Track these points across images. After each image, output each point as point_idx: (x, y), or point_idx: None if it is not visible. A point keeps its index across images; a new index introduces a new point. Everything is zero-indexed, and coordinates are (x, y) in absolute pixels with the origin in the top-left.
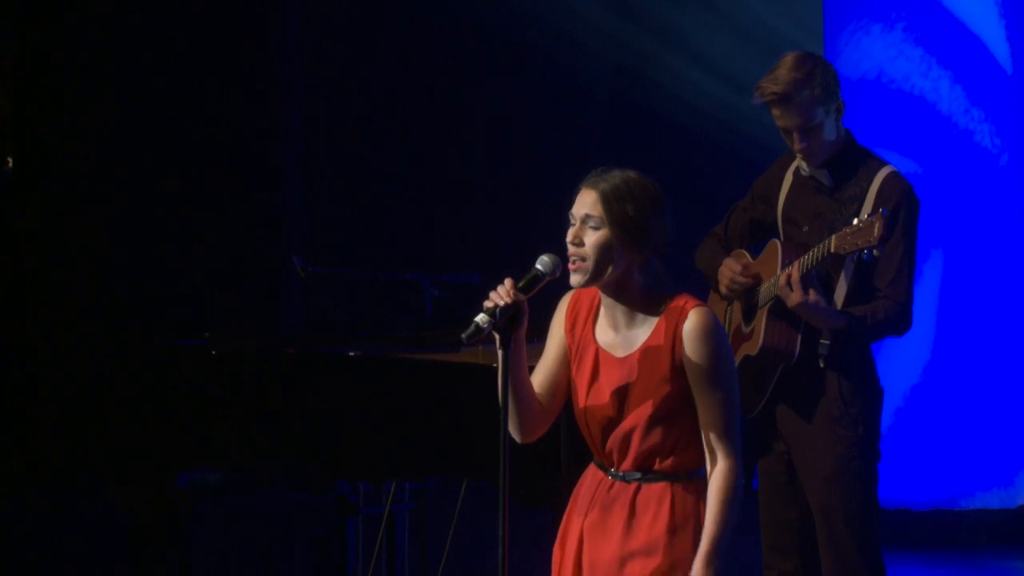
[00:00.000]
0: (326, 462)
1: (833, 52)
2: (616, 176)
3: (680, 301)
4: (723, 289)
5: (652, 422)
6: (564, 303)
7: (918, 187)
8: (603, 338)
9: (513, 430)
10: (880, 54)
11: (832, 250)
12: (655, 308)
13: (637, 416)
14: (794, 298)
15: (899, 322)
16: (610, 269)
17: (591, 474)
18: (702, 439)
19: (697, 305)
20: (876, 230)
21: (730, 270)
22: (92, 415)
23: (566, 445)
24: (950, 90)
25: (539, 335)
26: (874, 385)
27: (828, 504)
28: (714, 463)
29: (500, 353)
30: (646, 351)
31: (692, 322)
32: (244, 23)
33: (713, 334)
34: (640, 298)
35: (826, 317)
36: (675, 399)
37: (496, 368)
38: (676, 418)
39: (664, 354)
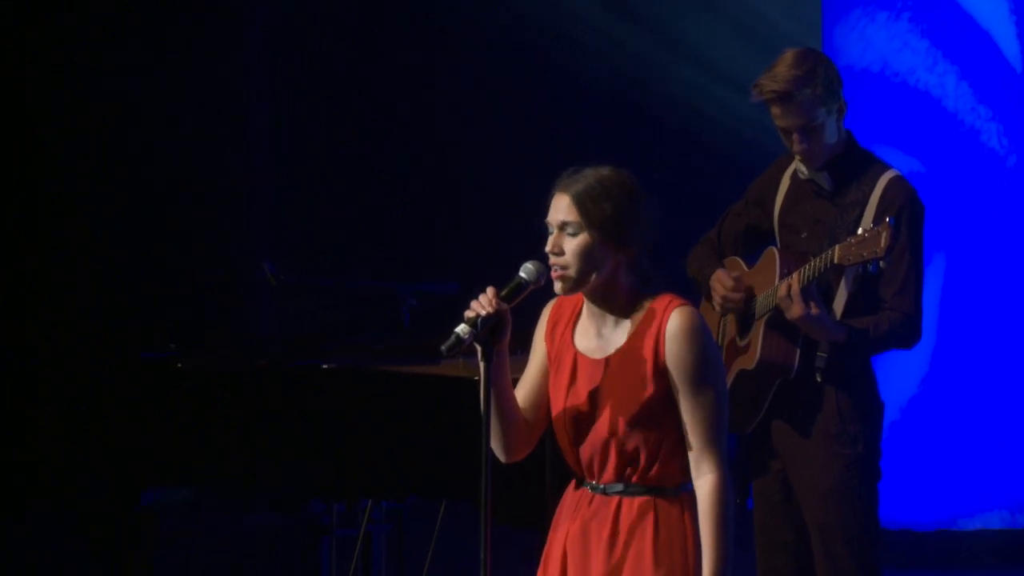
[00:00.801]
0: (299, 480)
1: (833, 41)
2: (589, 175)
3: (663, 301)
4: (716, 307)
5: (631, 427)
6: (546, 311)
7: (920, 187)
8: (582, 342)
9: (496, 448)
10: (884, 45)
11: (836, 261)
12: (638, 308)
13: (615, 420)
14: (795, 311)
15: (906, 335)
16: (595, 275)
17: (572, 489)
18: (687, 450)
19: (681, 304)
20: (883, 240)
21: (722, 286)
22: (53, 429)
23: (551, 462)
24: (956, 86)
25: (523, 346)
26: (874, 400)
27: (826, 524)
28: (700, 476)
29: (482, 365)
30: (625, 352)
31: (675, 321)
32: (210, 27)
33: (698, 334)
34: (626, 299)
35: (827, 330)
36: (656, 403)
37: (478, 381)
38: (657, 425)
39: (645, 355)
